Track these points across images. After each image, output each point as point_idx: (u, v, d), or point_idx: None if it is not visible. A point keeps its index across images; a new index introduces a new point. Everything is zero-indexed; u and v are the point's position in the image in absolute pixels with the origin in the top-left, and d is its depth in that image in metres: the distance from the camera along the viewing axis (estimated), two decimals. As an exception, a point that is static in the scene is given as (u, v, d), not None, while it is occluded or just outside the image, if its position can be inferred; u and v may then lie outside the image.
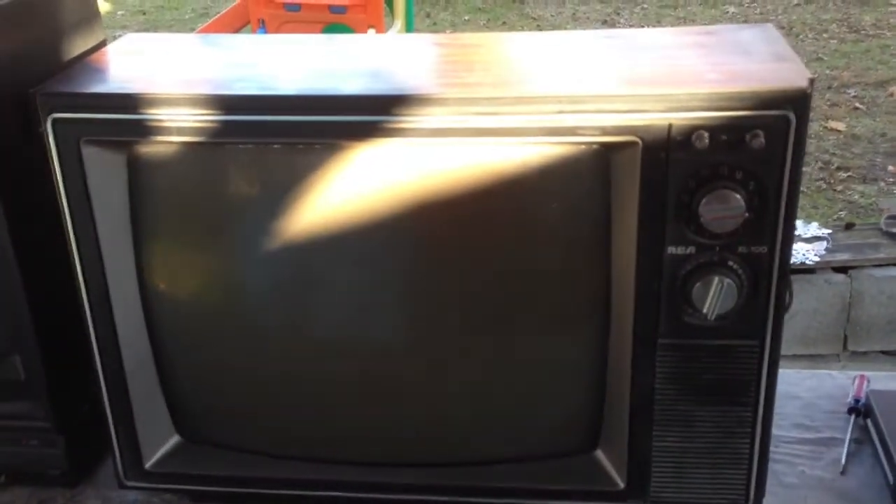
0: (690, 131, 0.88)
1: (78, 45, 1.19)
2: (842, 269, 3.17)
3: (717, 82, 0.90)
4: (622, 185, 0.92)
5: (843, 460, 1.19)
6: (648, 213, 0.91)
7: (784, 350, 0.98)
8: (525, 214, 0.96)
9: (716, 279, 0.91)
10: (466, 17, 6.25)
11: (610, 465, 1.04)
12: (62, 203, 0.98)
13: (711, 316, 0.92)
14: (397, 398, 1.06)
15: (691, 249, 0.92)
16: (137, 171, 0.98)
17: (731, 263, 0.92)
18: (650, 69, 0.96)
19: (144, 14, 6.51)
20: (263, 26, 4.50)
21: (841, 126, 4.46)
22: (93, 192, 0.97)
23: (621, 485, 1.03)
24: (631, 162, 0.90)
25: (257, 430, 1.10)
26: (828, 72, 5.12)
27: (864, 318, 3.10)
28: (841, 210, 3.68)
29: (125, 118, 0.94)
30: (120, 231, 1.00)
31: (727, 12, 6.22)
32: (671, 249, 0.92)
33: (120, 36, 1.16)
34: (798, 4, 6.32)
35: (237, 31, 4.66)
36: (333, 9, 4.54)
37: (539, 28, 5.98)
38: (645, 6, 6.35)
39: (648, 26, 5.78)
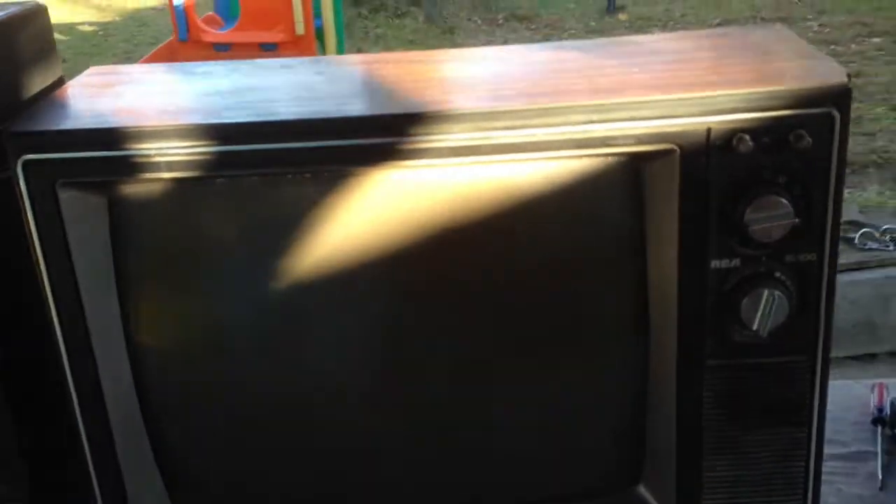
0: (730, 135, 0.81)
1: (36, 82, 1.08)
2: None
3: (752, 82, 0.84)
4: (658, 196, 0.85)
5: (880, 475, 1.13)
6: (690, 225, 0.84)
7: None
8: (554, 235, 0.89)
9: (765, 292, 0.85)
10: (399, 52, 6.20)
11: (655, 500, 0.96)
12: (36, 254, 0.88)
13: (764, 332, 0.85)
14: (419, 449, 0.97)
15: (736, 262, 0.86)
16: (120, 213, 0.88)
17: (777, 274, 0.86)
18: (674, 73, 0.90)
19: (66, 61, 6.33)
20: (194, 69, 4.38)
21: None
22: (72, 239, 0.87)
23: (669, 520, 0.95)
24: (667, 171, 0.83)
25: (257, 496, 0.99)
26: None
27: (828, 325, 3.08)
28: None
29: (108, 155, 0.85)
30: (102, 282, 0.90)
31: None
32: (715, 263, 0.85)
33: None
34: (719, 24, 6.41)
35: (167, 75, 4.52)
36: (264, 46, 4.46)
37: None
38: (573, 31, 6.38)
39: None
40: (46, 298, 0.89)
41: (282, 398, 0.95)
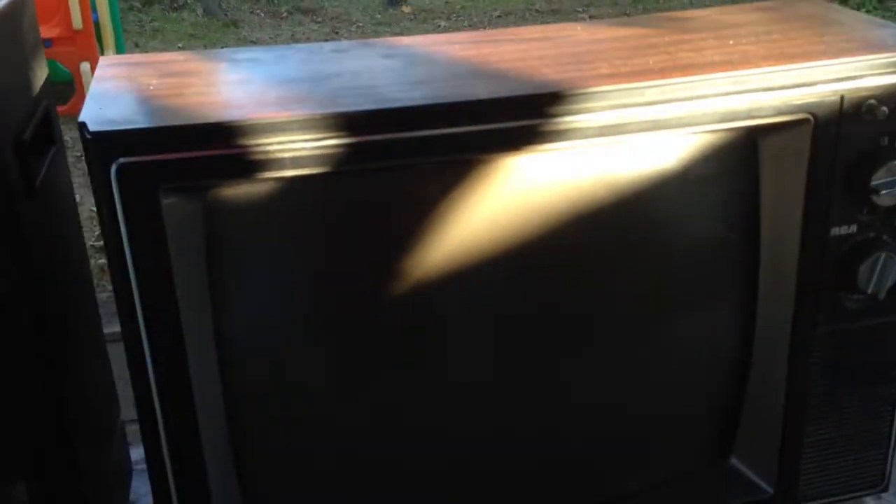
0: (860, 102, 0.83)
1: (38, 77, 0.94)
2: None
3: (867, 49, 0.85)
4: (783, 166, 0.86)
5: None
6: (816, 192, 0.85)
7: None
8: (676, 212, 0.87)
9: (883, 255, 0.87)
10: (179, 45, 5.93)
11: (752, 472, 0.97)
12: (131, 269, 0.76)
13: (882, 294, 0.88)
14: (525, 439, 0.92)
15: (853, 228, 0.87)
16: (219, 218, 0.78)
17: (885, 237, 0.88)
18: (774, 44, 0.90)
19: None
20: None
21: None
22: (173, 252, 0.76)
23: (770, 490, 0.96)
24: (797, 141, 0.84)
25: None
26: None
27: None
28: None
29: (224, 154, 0.74)
30: (198, 297, 0.79)
31: (439, 26, 6.36)
32: (835, 230, 0.87)
33: None
34: (500, 16, 6.59)
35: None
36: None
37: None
38: (360, 24, 6.35)
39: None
40: (139, 321, 0.77)
41: (397, 406, 0.88)
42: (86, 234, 1.29)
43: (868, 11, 5.05)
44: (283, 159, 0.75)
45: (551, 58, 0.88)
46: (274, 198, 0.78)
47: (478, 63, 0.89)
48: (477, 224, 0.81)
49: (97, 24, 4.50)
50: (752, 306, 0.91)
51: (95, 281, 1.24)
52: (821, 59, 0.82)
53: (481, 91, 0.80)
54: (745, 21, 0.99)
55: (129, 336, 0.79)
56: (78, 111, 0.75)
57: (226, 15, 6.31)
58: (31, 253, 0.82)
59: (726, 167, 0.87)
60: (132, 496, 1.10)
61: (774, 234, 0.88)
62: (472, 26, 6.46)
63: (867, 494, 1.00)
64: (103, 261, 2.27)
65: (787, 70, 0.82)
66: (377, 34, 6.06)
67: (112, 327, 0.90)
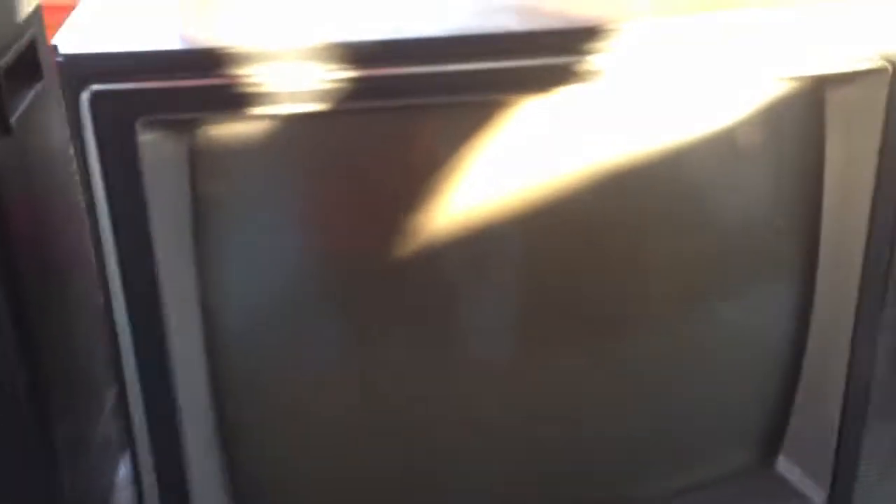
0: (942, 50, 0.72)
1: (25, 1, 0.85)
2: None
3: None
4: (852, 125, 0.75)
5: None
6: (890, 157, 0.74)
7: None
8: (728, 174, 0.77)
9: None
10: None
11: (801, 476, 0.86)
12: (104, 214, 0.66)
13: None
14: (552, 434, 0.82)
15: (927, 195, 0.76)
16: (205, 159, 0.68)
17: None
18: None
19: None
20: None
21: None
22: (150, 196, 0.66)
23: (820, 498, 0.85)
24: (870, 95, 0.73)
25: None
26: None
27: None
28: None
29: (212, 85, 0.65)
30: (181, 247, 0.69)
31: None
32: (909, 197, 0.76)
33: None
34: None
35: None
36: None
37: None
38: None
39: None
40: (108, 271, 0.68)
41: (396, 386, 0.78)
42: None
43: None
44: (280, 93, 0.65)
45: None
46: (269, 139, 0.69)
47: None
48: (499, 177, 0.71)
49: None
50: (811, 287, 0.80)
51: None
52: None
53: (512, 24, 0.70)
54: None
55: (104, 294, 0.69)
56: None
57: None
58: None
59: (786, 125, 0.76)
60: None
61: (840, 204, 0.77)
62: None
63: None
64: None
65: (862, 8, 0.71)
66: None
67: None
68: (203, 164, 0.68)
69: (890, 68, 0.72)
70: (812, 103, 0.75)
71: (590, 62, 0.67)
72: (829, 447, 0.84)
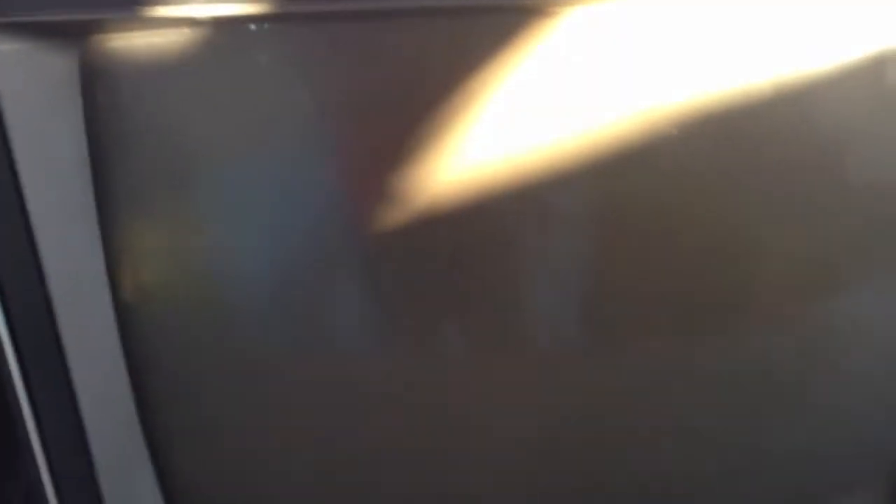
0: None
1: None
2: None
3: None
4: None
5: None
6: None
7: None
8: (846, 133, 0.54)
9: None
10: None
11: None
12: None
13: None
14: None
15: None
16: (102, 84, 0.49)
17: None
18: None
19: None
20: None
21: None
22: (12, 127, 0.48)
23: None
24: None
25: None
26: None
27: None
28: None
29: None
30: (69, 195, 0.52)
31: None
32: None
33: None
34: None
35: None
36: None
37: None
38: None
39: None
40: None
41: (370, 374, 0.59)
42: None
43: None
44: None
45: None
46: (174, 54, 0.50)
47: None
48: (528, 115, 0.50)
49: None
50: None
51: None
52: None
53: None
54: None
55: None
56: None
57: None
58: None
59: None
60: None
61: None
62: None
63: None
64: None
65: None
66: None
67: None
68: (91, 84, 0.49)
69: None
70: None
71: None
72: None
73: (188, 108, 0.53)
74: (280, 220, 0.55)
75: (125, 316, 0.56)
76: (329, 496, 0.65)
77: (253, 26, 0.49)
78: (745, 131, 0.54)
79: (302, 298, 0.58)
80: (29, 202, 0.51)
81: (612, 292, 0.58)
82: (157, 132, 0.53)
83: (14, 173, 0.50)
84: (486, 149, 0.51)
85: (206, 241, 0.56)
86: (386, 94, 0.51)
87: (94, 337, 0.56)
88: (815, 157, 0.55)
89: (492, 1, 0.49)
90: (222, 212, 0.56)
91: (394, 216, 0.53)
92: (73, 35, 0.49)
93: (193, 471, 0.63)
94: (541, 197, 0.54)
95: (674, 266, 0.57)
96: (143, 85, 0.51)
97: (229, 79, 0.52)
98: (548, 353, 0.60)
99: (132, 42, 0.50)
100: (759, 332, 0.60)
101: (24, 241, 0.51)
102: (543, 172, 0.52)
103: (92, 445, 0.58)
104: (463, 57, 0.49)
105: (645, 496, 0.64)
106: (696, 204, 0.56)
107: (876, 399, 0.64)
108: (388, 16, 0.49)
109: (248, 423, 0.61)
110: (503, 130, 0.51)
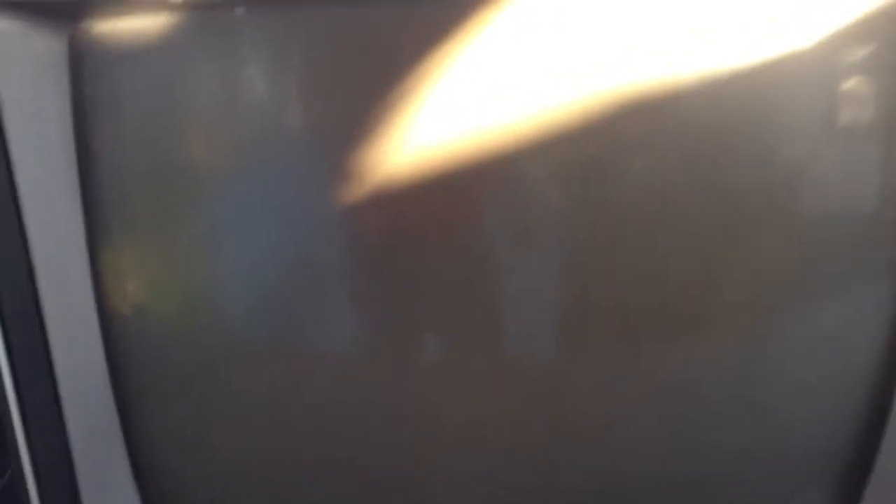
0: None
1: None
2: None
3: None
4: None
5: None
6: None
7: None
8: (813, 133, 0.56)
9: None
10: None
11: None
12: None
13: None
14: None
15: None
16: (93, 70, 0.50)
17: None
18: None
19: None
20: None
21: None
22: (7, 114, 0.49)
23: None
24: None
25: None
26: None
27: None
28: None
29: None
30: (56, 193, 0.52)
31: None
32: None
33: None
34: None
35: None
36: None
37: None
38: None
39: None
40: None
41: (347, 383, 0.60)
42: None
43: None
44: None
45: None
46: (169, 40, 0.50)
47: None
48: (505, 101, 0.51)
49: None
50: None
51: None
52: None
53: None
54: None
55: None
56: None
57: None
58: None
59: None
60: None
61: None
62: None
63: None
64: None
65: None
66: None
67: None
68: (80, 72, 0.50)
69: None
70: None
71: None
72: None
73: (173, 90, 0.53)
74: (260, 209, 0.56)
75: (107, 313, 0.57)
76: (305, 495, 0.65)
77: (238, 10, 0.50)
78: (704, 147, 0.55)
79: (278, 298, 0.59)
80: (18, 180, 0.51)
81: (571, 302, 0.60)
82: (142, 114, 0.53)
83: (6, 151, 0.50)
84: (461, 143, 0.52)
85: (186, 231, 0.57)
86: (357, 79, 0.52)
87: (78, 335, 0.56)
88: (765, 181, 0.57)
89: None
90: (202, 196, 0.56)
91: (372, 212, 0.54)
92: (64, 17, 0.50)
93: (170, 468, 0.63)
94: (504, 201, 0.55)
95: (628, 277, 0.59)
96: (131, 66, 0.52)
97: (211, 61, 0.53)
98: (518, 355, 0.62)
99: (121, 25, 0.51)
100: (713, 342, 0.62)
101: (13, 220, 0.52)
102: (509, 165, 0.54)
103: (71, 438, 0.58)
104: (429, 40, 0.51)
105: (597, 497, 0.66)
106: (655, 217, 0.57)
107: (821, 405, 0.66)
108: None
109: (225, 423, 0.62)
110: (473, 117, 0.52)
